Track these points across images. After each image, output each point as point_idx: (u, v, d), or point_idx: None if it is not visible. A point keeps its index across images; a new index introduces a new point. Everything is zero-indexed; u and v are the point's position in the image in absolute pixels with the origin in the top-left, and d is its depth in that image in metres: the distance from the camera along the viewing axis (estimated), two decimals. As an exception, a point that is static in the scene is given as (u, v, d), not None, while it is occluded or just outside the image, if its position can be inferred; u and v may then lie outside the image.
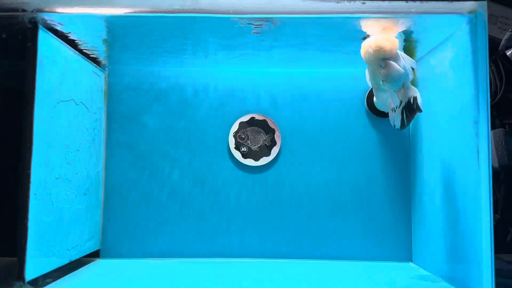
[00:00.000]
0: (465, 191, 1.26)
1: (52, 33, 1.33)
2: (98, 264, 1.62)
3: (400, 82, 1.31)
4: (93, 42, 1.49)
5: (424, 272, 1.53)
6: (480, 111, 1.20)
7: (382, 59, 1.30)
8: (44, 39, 1.28)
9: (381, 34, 1.30)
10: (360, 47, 1.47)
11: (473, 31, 1.24)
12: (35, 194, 1.23)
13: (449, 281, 1.36)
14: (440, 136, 1.46)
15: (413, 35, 1.42)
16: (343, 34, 1.41)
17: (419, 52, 1.59)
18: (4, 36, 1.26)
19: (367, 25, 1.31)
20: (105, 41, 1.49)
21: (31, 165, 1.21)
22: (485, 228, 1.16)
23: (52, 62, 1.33)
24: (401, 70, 1.30)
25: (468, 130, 1.25)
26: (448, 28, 1.35)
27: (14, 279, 1.19)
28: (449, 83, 1.40)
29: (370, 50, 1.30)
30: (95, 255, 1.70)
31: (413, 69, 1.36)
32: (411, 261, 1.70)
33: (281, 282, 1.39)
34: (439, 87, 1.48)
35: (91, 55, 1.61)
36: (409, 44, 1.52)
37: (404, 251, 1.71)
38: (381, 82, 1.34)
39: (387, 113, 1.72)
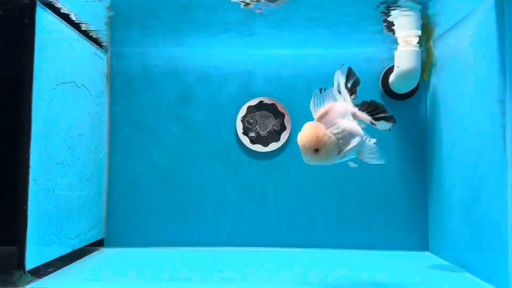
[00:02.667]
0: (490, 175, 1.19)
1: (51, 10, 1.26)
2: (102, 253, 1.57)
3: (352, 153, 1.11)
4: (95, 21, 1.42)
5: (442, 262, 1.47)
6: (508, 89, 1.13)
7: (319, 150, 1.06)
8: (43, 16, 1.21)
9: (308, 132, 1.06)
10: (374, 26, 1.40)
11: (499, 4, 1.16)
12: (34, 180, 1.17)
13: (471, 271, 1.29)
14: (461, 118, 1.39)
15: (430, 12, 1.34)
16: (356, 11, 1.33)
17: (438, 30, 1.51)
18: (0, 13, 1.19)
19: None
20: (107, 20, 1.42)
21: (30, 148, 1.15)
22: (512, 214, 1.09)
23: (51, 41, 1.26)
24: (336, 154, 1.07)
25: (493, 110, 1.17)
26: (469, 3, 1.27)
27: (14, 268, 1.13)
28: (470, 62, 1.32)
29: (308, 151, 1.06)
30: (99, 244, 1.65)
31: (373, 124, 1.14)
32: (428, 250, 1.63)
33: (292, 270, 1.33)
34: (459, 67, 1.40)
35: (92, 36, 1.55)
36: (427, 22, 1.44)
37: (420, 240, 1.64)
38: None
39: (403, 95, 1.65)
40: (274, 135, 1.69)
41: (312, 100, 1.07)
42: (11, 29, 1.21)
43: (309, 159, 1.05)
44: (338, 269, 1.35)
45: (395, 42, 1.57)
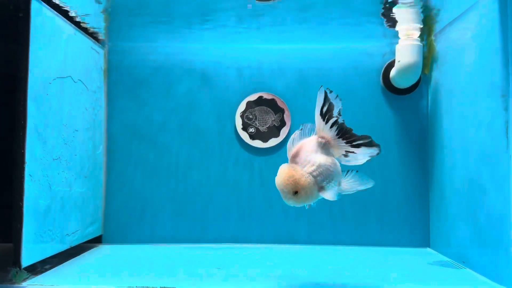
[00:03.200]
0: (492, 171, 1.17)
1: (46, 3, 1.24)
2: (100, 250, 1.56)
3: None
4: (92, 15, 1.40)
5: (444, 258, 1.45)
6: (511, 83, 1.11)
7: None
8: (38, 9, 1.19)
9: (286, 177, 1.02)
10: (375, 20, 1.38)
11: (502, -3, 1.15)
12: (30, 176, 1.15)
13: (473, 267, 1.28)
14: (463, 113, 1.37)
15: (431, 5, 1.32)
16: (357, 6, 1.31)
17: (439, 24, 1.49)
18: (-6, 6, 1.17)
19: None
20: (104, 14, 1.40)
21: (25, 144, 1.13)
22: (515, 210, 1.08)
23: (47, 35, 1.24)
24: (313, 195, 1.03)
25: (495, 105, 1.15)
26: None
27: (10, 265, 1.12)
28: (472, 56, 1.30)
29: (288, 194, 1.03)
30: (97, 240, 1.63)
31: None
32: (429, 247, 1.62)
33: (293, 267, 1.31)
34: (461, 61, 1.38)
35: (89, 30, 1.52)
36: (427, 16, 1.42)
37: (421, 236, 1.62)
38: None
39: (404, 90, 1.64)
40: (274, 131, 1.67)
41: (291, 138, 1.04)
42: (5, 22, 1.19)
43: (290, 203, 1.04)
44: (338, 266, 1.34)
45: (396, 36, 1.55)
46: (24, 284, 1.10)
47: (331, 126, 1.04)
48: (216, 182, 1.67)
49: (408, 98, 1.65)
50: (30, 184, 1.15)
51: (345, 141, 1.05)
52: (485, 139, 1.22)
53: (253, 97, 1.68)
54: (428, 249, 1.60)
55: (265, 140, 1.67)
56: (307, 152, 1.02)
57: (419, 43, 1.53)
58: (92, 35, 1.57)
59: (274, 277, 1.21)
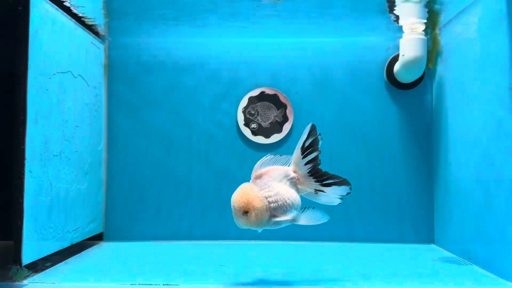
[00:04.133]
0: (498, 166, 1.15)
1: (46, -3, 1.22)
2: (101, 247, 1.54)
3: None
4: (92, 10, 1.38)
5: (448, 254, 1.44)
6: (518, 76, 1.09)
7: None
8: (37, 3, 1.17)
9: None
10: (379, 14, 1.36)
11: (509, -12, 1.13)
12: (30, 172, 1.13)
13: (479, 264, 1.26)
14: (468, 107, 1.35)
15: (437, 2, 1.31)
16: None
17: (444, 17, 1.47)
18: (-8, -1, 1.15)
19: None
20: (105, 9, 1.38)
21: (25, 140, 1.11)
22: (523, 205, 1.06)
23: (46, 29, 1.22)
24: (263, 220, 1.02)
25: (502, 99, 1.14)
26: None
27: (11, 263, 1.10)
28: (478, 49, 1.29)
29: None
30: (98, 238, 1.62)
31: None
32: (433, 243, 1.60)
33: (297, 264, 1.30)
34: (466, 55, 1.36)
35: (89, 25, 1.51)
36: (432, 10, 1.40)
37: (425, 233, 1.61)
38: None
39: (409, 84, 1.62)
40: (276, 126, 1.65)
41: (261, 160, 1.05)
42: (5, 16, 1.17)
43: (239, 222, 1.03)
44: (343, 262, 1.32)
45: (400, 30, 1.53)
46: (25, 282, 1.09)
47: (306, 163, 1.05)
48: (218, 179, 1.66)
49: (412, 93, 1.63)
50: (31, 180, 1.14)
51: (315, 179, 1.06)
52: (490, 134, 1.20)
53: (255, 92, 1.66)
54: (433, 245, 1.59)
55: (267, 136, 1.65)
56: (271, 178, 1.03)
57: (423, 37, 1.51)
58: (93, 30, 1.55)
59: (278, 274, 1.20)
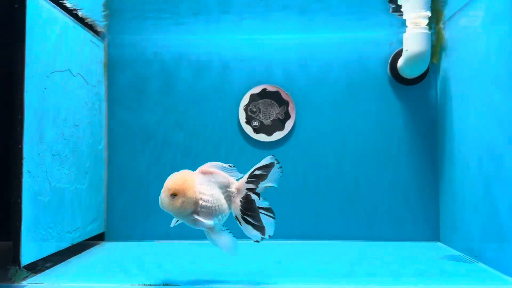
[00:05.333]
0: (504, 163, 1.13)
1: (43, -6, 1.20)
2: (102, 247, 1.53)
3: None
4: (91, 7, 1.37)
5: (455, 252, 1.41)
6: (525, 69, 1.06)
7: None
8: (34, 0, 1.15)
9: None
10: (382, 8, 1.33)
11: (515, -21, 1.10)
12: (29, 172, 1.12)
13: (485, 262, 1.23)
14: (473, 103, 1.32)
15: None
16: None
17: (448, 11, 1.45)
18: (-11, -3, 1.13)
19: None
20: (104, 6, 1.37)
21: (23, 139, 1.10)
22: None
23: (44, 27, 1.21)
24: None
25: (509, 93, 1.11)
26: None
27: (9, 264, 1.09)
28: (483, 44, 1.26)
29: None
30: (99, 238, 1.60)
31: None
32: (439, 241, 1.58)
33: (299, 262, 1.28)
34: (470, 49, 1.34)
35: (88, 23, 1.49)
36: (436, 3, 1.37)
37: (430, 230, 1.59)
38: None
39: (413, 79, 1.59)
40: (278, 124, 1.63)
41: (221, 164, 1.05)
42: (1, 14, 1.16)
43: (162, 202, 1.01)
44: (348, 261, 1.30)
45: (404, 24, 1.51)
46: (24, 283, 1.08)
47: (247, 189, 1.03)
48: (220, 177, 1.64)
49: (417, 88, 1.60)
50: (29, 180, 1.12)
51: (241, 207, 1.03)
52: (496, 129, 1.17)
53: (256, 89, 1.64)
54: (438, 243, 1.56)
55: (269, 133, 1.63)
56: (215, 181, 1.03)
57: (427, 31, 1.48)
58: (92, 28, 1.53)
59: (281, 273, 1.18)
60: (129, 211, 1.63)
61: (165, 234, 1.63)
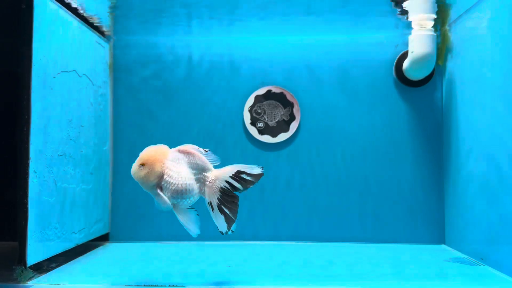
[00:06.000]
0: (510, 165, 1.12)
1: (50, -5, 1.21)
2: (107, 248, 1.53)
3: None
4: (97, 8, 1.37)
5: (460, 255, 1.41)
6: (533, 71, 1.06)
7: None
8: (41, 1, 1.16)
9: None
10: (387, 9, 1.33)
11: (522, -18, 1.10)
12: (35, 172, 1.12)
13: (491, 264, 1.23)
14: (479, 105, 1.32)
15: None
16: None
17: (454, 13, 1.44)
18: (-4, -3, 1.14)
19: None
20: (110, 7, 1.37)
21: (29, 139, 1.10)
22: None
23: (50, 27, 1.21)
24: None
25: (516, 95, 1.10)
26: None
27: (15, 264, 1.09)
28: (489, 46, 1.26)
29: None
30: (104, 238, 1.60)
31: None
32: (444, 243, 1.57)
33: (304, 264, 1.28)
34: (476, 51, 1.33)
35: (94, 24, 1.49)
36: (441, 5, 1.37)
37: (436, 233, 1.58)
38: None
39: (418, 81, 1.59)
40: (283, 125, 1.63)
41: (202, 149, 1.07)
42: (8, 14, 1.16)
43: (132, 169, 1.03)
44: (353, 263, 1.30)
45: (409, 26, 1.50)
46: (29, 283, 1.08)
47: (227, 182, 1.04)
48: (224, 178, 1.64)
49: (422, 90, 1.60)
50: (35, 180, 1.12)
51: (220, 195, 1.04)
52: (502, 132, 1.17)
53: (261, 91, 1.64)
54: (444, 246, 1.56)
55: (274, 135, 1.63)
56: (189, 161, 1.04)
57: (432, 33, 1.48)
58: (97, 29, 1.54)
59: (288, 274, 1.17)
60: (133, 212, 1.63)
61: (170, 235, 1.63)
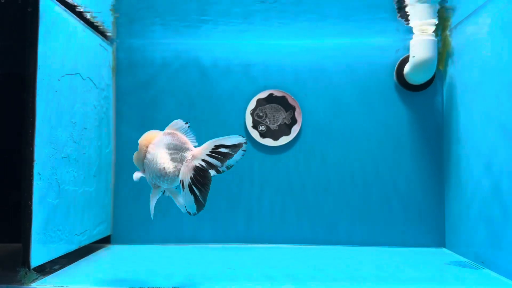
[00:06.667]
0: (510, 169, 1.14)
1: (55, -1, 1.22)
2: (109, 250, 1.53)
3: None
4: (100, 11, 1.38)
5: (461, 258, 1.42)
6: (533, 77, 1.07)
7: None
8: (47, 4, 1.17)
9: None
10: (388, 14, 1.34)
11: (523, -12, 1.11)
12: (39, 174, 1.13)
13: (492, 268, 1.24)
14: (479, 110, 1.33)
15: (447, 3, 1.30)
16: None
17: (455, 18, 1.46)
18: (2, 1, 1.15)
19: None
20: (112, 9, 1.38)
21: (34, 141, 1.11)
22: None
23: (55, 30, 1.22)
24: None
25: (517, 100, 1.12)
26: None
27: (19, 266, 1.10)
28: (489, 51, 1.27)
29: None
30: (106, 240, 1.61)
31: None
32: (444, 247, 1.58)
33: (305, 267, 1.28)
34: (477, 56, 1.35)
35: (98, 27, 1.50)
36: (442, 11, 1.38)
37: (436, 236, 1.59)
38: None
39: (419, 86, 1.60)
40: (285, 129, 1.64)
41: (182, 122, 1.08)
42: (14, 17, 1.17)
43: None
44: (353, 266, 1.30)
45: (410, 31, 1.52)
46: (33, 285, 1.08)
47: (203, 160, 1.01)
48: (225, 181, 1.64)
49: (423, 95, 1.61)
50: (39, 182, 1.13)
51: (193, 176, 1.01)
52: (502, 136, 1.18)
53: (263, 94, 1.65)
54: (444, 249, 1.56)
55: (275, 138, 1.64)
56: (167, 141, 1.05)
57: (433, 38, 1.49)
58: (101, 32, 1.55)
59: (289, 277, 1.18)
60: (136, 214, 1.64)
61: (171, 237, 1.63)
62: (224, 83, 1.66)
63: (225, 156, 1.01)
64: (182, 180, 1.01)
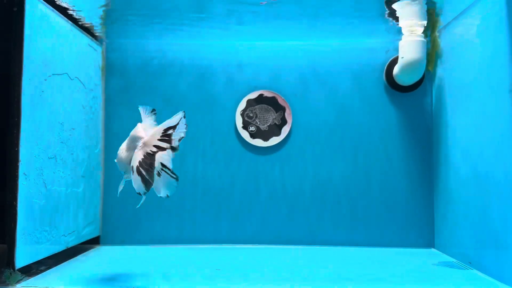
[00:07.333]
0: (499, 169, 1.14)
1: (42, -2, 1.21)
2: (98, 251, 1.53)
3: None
4: (89, 11, 1.37)
5: (449, 259, 1.42)
6: (518, 78, 1.08)
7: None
8: (33, 3, 1.16)
9: None
10: (378, 16, 1.35)
11: (510, -11, 1.11)
12: (25, 174, 1.12)
13: (479, 268, 1.24)
14: (468, 110, 1.34)
15: (436, 4, 1.30)
16: (358, 0, 1.28)
17: (443, 19, 1.46)
18: (-13, 1, 1.14)
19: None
20: (102, 10, 1.37)
21: (19, 141, 1.10)
22: (524, 209, 1.04)
23: (42, 30, 1.21)
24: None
25: (503, 102, 1.12)
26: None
27: (4, 267, 1.09)
28: (478, 52, 1.27)
29: None
30: (95, 241, 1.60)
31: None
32: (433, 247, 1.59)
33: (294, 268, 1.28)
34: (465, 57, 1.35)
35: (86, 27, 1.50)
36: (431, 11, 1.39)
37: (425, 237, 1.59)
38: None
39: (408, 87, 1.60)
40: (275, 129, 1.64)
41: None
42: (-1, 17, 1.16)
43: None
44: (342, 267, 1.30)
45: (400, 32, 1.52)
46: (18, 286, 1.07)
47: (155, 145, 1.07)
48: (215, 182, 1.64)
49: (412, 95, 1.62)
50: (25, 183, 1.12)
51: (142, 160, 1.06)
52: (491, 137, 1.18)
53: (253, 95, 1.65)
54: (433, 250, 1.57)
55: (266, 139, 1.64)
56: (132, 134, 1.12)
57: (422, 39, 1.50)
58: (90, 32, 1.54)
59: (277, 279, 1.18)
60: (125, 215, 1.63)
61: (161, 238, 1.63)
62: (214, 83, 1.66)
63: (170, 134, 1.09)
64: (132, 166, 1.08)
